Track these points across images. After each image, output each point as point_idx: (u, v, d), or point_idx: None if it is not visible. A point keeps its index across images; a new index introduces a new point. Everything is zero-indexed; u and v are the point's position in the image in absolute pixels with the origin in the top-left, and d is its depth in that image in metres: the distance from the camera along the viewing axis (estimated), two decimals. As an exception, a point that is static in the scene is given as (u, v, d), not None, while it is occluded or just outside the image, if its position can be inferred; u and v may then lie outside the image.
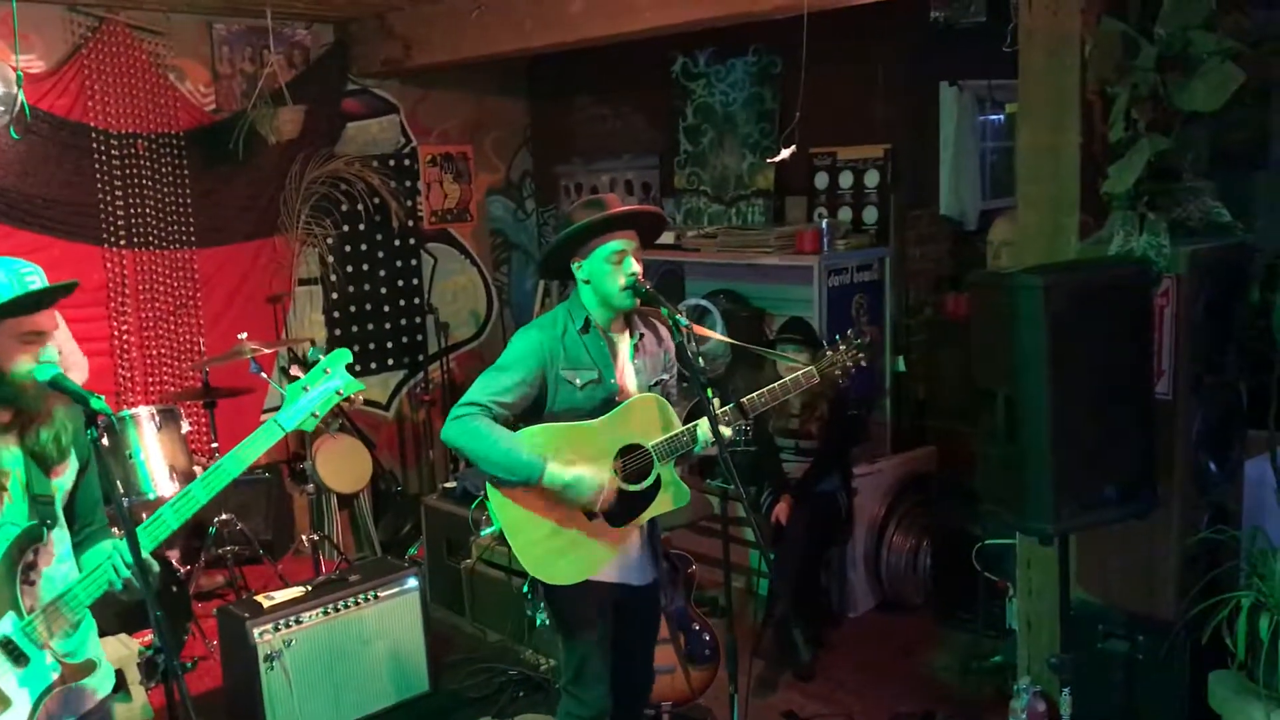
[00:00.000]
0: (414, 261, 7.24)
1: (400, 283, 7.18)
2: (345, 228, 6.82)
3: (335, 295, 6.88)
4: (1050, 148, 3.67)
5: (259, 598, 4.09)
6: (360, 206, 6.79)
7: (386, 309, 7.13)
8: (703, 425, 3.17)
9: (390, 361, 7.17)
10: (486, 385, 3.18)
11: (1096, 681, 3.54)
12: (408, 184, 7.12)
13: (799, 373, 3.28)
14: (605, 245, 3.17)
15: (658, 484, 3.26)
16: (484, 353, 7.47)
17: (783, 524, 4.96)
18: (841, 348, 3.32)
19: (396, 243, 7.11)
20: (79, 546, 2.54)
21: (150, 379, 6.02)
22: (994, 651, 4.68)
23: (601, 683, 3.34)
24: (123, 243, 5.92)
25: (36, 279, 2.37)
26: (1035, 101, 3.72)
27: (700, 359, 3.17)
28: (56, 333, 2.43)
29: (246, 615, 3.91)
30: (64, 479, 2.50)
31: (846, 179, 5.78)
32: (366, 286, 7.02)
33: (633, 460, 3.23)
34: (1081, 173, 3.60)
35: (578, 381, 3.20)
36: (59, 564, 2.46)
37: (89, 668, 2.46)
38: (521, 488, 3.16)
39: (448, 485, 5.68)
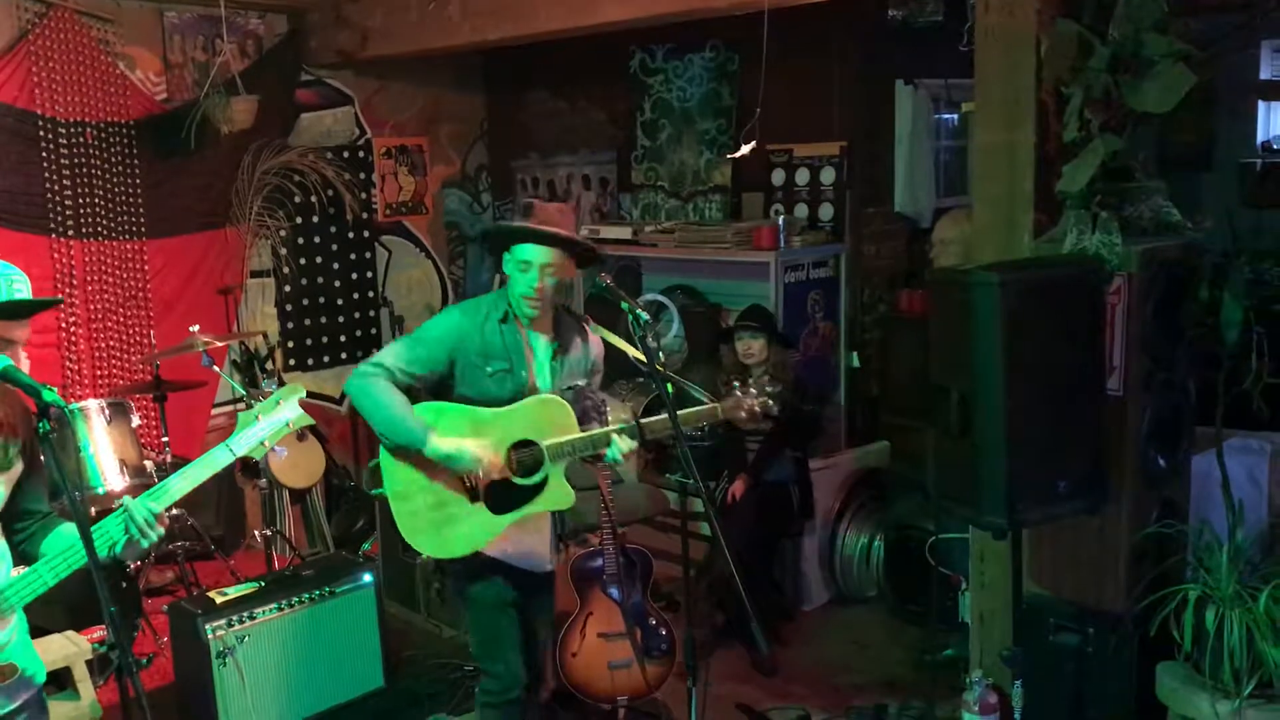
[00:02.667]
0: (368, 254, 7.18)
1: (354, 275, 7.12)
2: (299, 219, 6.75)
3: (288, 288, 6.80)
4: (1005, 146, 3.72)
5: (211, 593, 4.03)
6: (314, 198, 6.72)
7: (340, 302, 7.06)
8: (615, 439, 3.25)
9: (344, 355, 7.10)
10: (399, 352, 3.31)
11: (1048, 674, 3.59)
12: (362, 176, 7.06)
13: (703, 409, 3.36)
14: (520, 249, 3.25)
15: (545, 483, 3.32)
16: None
17: (734, 501, 4.98)
18: (752, 391, 3.37)
19: (350, 235, 7.05)
20: (30, 539, 2.50)
21: (99, 372, 5.92)
22: (946, 645, 4.73)
23: (510, 652, 3.43)
24: (70, 233, 5.81)
25: (24, 289, 2.38)
26: (991, 100, 3.77)
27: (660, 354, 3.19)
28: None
29: (199, 611, 3.86)
30: (2, 485, 2.45)
31: (803, 176, 5.82)
32: (320, 279, 6.96)
33: (525, 455, 3.31)
34: (1036, 171, 3.65)
35: (488, 369, 3.29)
36: None
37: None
38: (413, 457, 3.25)
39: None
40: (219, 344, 5.27)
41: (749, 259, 5.56)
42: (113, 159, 5.93)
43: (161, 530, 2.47)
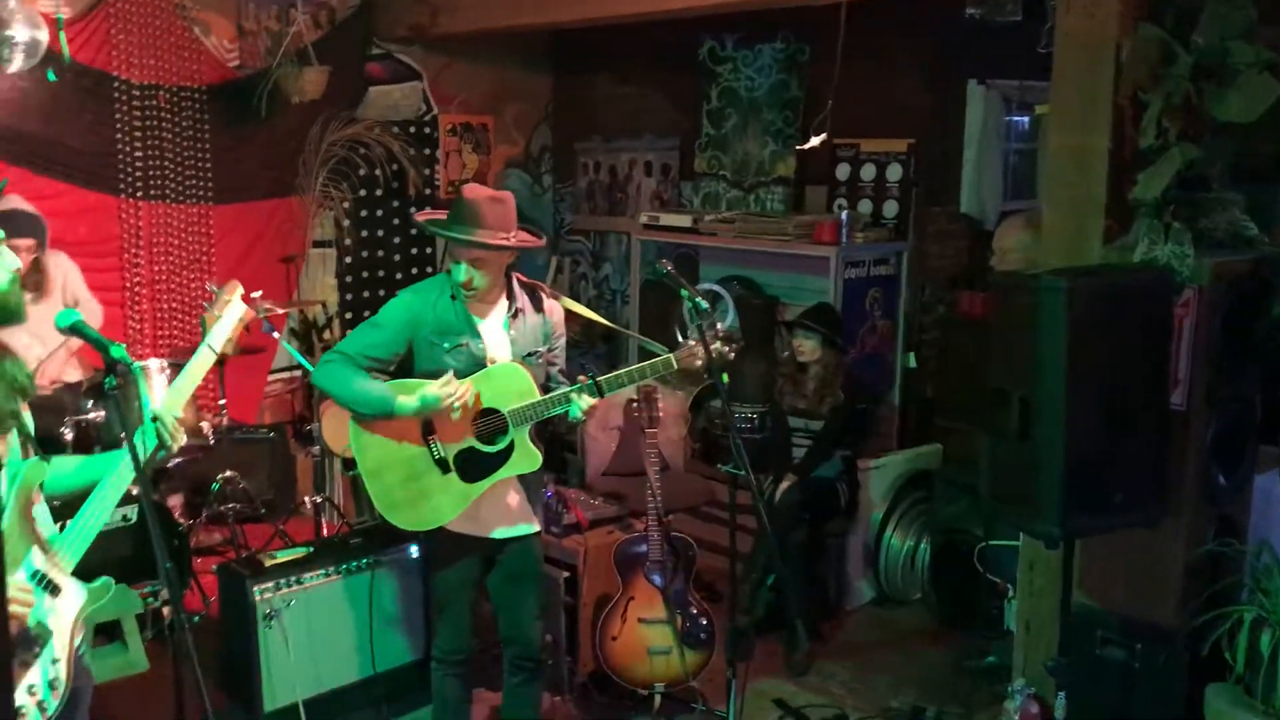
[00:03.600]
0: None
1: (413, 250, 7.17)
2: (362, 192, 6.80)
3: (348, 259, 6.86)
4: (1079, 150, 3.65)
5: (260, 556, 4.08)
6: (378, 172, 6.77)
7: (399, 276, 7.11)
8: (575, 398, 3.33)
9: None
10: (358, 339, 3.47)
11: (1092, 687, 3.54)
12: (426, 152, 7.10)
13: (658, 359, 3.44)
14: (455, 238, 3.35)
15: (511, 448, 3.42)
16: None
17: (776, 501, 4.95)
18: (704, 338, 3.38)
19: (412, 210, 7.09)
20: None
21: (160, 332, 6.01)
22: (988, 651, 4.69)
23: (460, 622, 3.59)
24: (139, 194, 5.90)
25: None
26: (1067, 104, 3.70)
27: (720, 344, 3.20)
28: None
29: (247, 573, 3.91)
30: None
31: (869, 171, 5.76)
32: (380, 252, 7.01)
33: (488, 423, 3.40)
34: (1109, 177, 3.58)
35: (445, 345, 3.39)
36: (43, 500, 2.46)
37: (105, 589, 2.46)
38: (381, 431, 3.39)
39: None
40: (280, 311, 5.32)
41: (809, 253, 5.52)
42: (183, 123, 6.00)
43: (183, 438, 2.57)
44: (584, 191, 7.42)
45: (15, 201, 4.86)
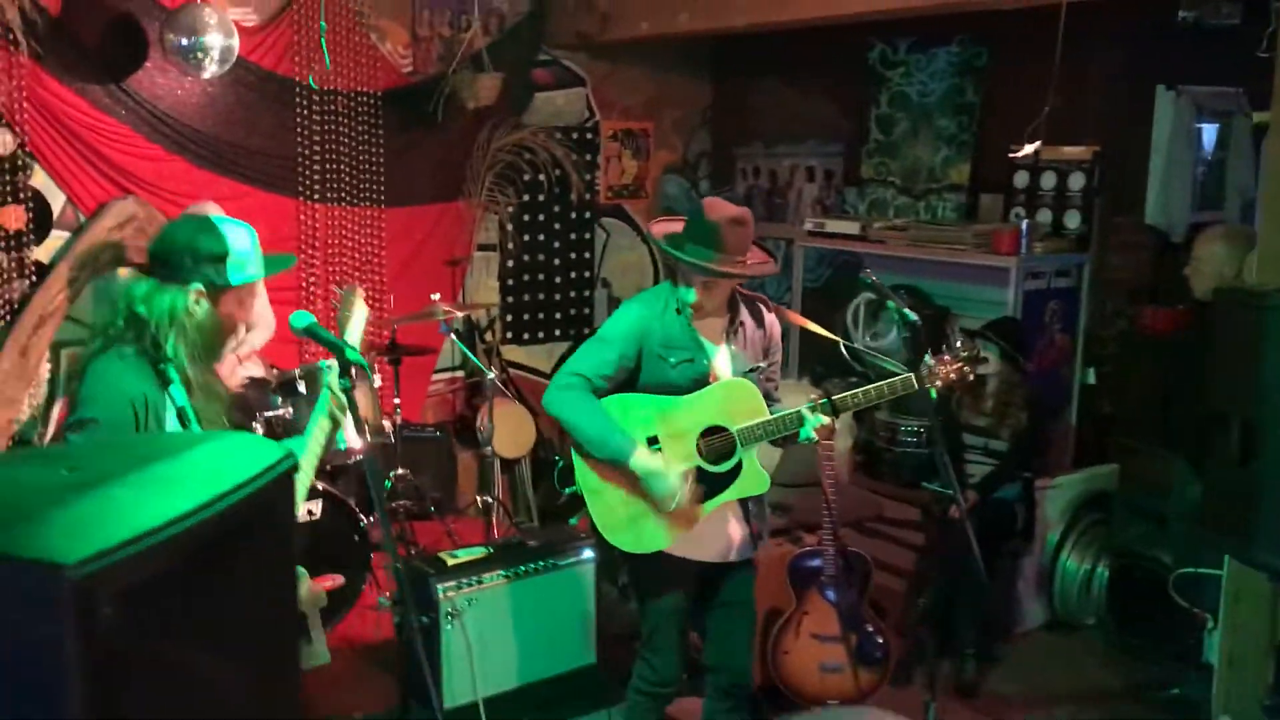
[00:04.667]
0: (588, 235, 7.26)
1: (573, 255, 7.22)
2: (526, 197, 6.88)
3: (510, 263, 6.94)
4: (1304, 161, 3.45)
5: (442, 555, 4.13)
6: (541, 177, 6.83)
7: (558, 280, 7.17)
8: (808, 417, 3.18)
9: (558, 333, 7.21)
10: (590, 357, 3.33)
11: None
12: (588, 157, 7.14)
13: (897, 379, 3.23)
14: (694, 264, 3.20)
15: (739, 468, 3.29)
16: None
17: (955, 519, 4.81)
18: (947, 358, 3.22)
19: (573, 215, 7.14)
20: None
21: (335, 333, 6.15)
22: (1174, 683, 4.48)
23: (672, 652, 3.44)
24: (316, 197, 6.06)
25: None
26: (1290, 111, 3.50)
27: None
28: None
29: (431, 571, 3.96)
30: None
31: (1049, 179, 5.56)
32: (541, 256, 7.08)
33: (716, 442, 3.28)
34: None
35: (671, 359, 3.29)
36: None
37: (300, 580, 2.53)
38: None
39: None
40: (459, 313, 5.39)
41: (987, 263, 5.35)
42: (359, 128, 6.15)
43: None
44: (742, 197, 7.36)
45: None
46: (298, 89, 5.92)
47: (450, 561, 4.01)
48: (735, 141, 7.53)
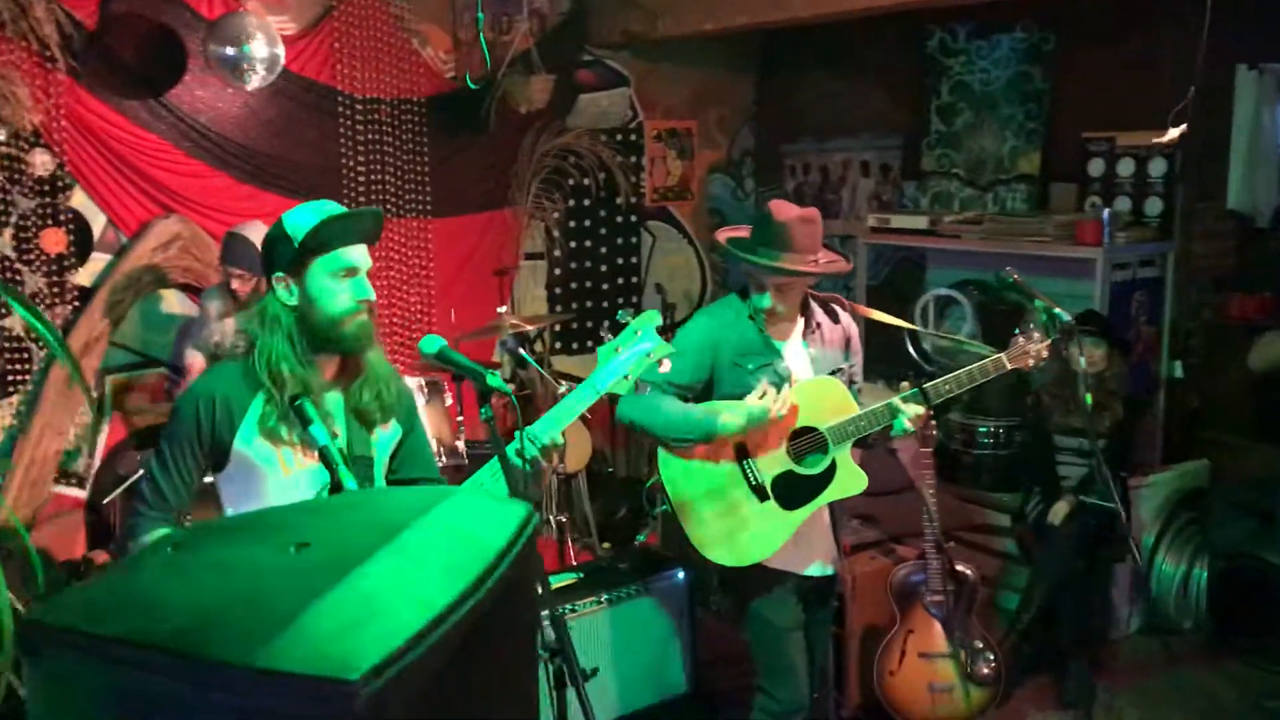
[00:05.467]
0: (634, 239, 7.06)
1: (620, 260, 7.01)
2: (572, 202, 6.67)
3: (558, 271, 6.74)
4: None
5: (532, 582, 3.93)
6: (588, 181, 6.63)
7: (605, 286, 6.97)
8: (902, 408, 3.07)
9: (605, 339, 6.97)
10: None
11: None
12: (633, 159, 6.93)
13: (987, 360, 3.11)
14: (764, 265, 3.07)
15: (833, 468, 3.15)
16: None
17: (1054, 526, 4.59)
18: (1036, 335, 3.10)
19: (619, 219, 6.93)
20: None
21: (385, 349, 5.94)
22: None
23: (791, 675, 3.26)
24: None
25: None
26: None
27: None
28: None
29: (525, 601, 3.76)
30: (384, 440, 2.37)
31: (1126, 166, 5.34)
32: (588, 263, 6.87)
33: (804, 443, 3.15)
34: None
35: (749, 366, 3.19)
36: None
37: None
38: (692, 458, 3.17)
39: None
40: (528, 328, 5.17)
41: (1070, 254, 5.12)
42: (404, 136, 5.94)
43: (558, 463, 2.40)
44: (792, 194, 7.15)
45: (250, 230, 4.68)
46: (340, 98, 5.72)
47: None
48: (780, 138, 7.31)
